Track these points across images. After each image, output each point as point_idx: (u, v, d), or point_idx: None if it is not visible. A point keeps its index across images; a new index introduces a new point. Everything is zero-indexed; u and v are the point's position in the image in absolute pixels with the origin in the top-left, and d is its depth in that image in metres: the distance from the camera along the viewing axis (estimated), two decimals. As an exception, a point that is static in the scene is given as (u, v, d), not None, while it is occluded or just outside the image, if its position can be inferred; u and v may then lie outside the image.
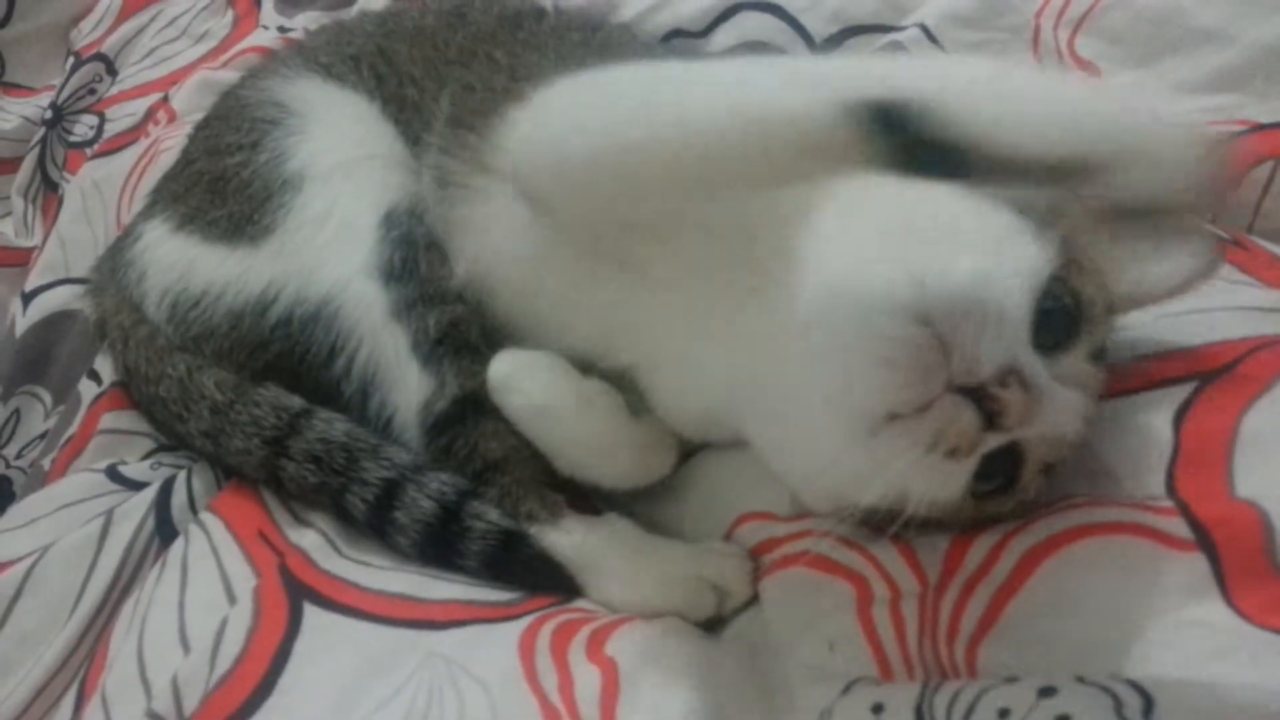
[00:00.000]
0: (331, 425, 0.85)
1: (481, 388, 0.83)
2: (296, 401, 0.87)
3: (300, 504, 0.88)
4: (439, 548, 0.81)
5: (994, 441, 0.60)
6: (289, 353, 0.87)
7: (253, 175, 0.89)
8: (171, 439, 0.96)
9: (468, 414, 0.83)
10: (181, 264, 0.92)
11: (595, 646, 0.72)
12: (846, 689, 0.66)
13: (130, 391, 0.98)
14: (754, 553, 0.79)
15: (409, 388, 0.84)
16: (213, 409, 0.89)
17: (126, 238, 1.01)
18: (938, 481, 0.62)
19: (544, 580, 0.80)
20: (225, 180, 0.91)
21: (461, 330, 0.84)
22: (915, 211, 0.64)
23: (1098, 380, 0.65)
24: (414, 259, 0.85)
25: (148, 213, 1.00)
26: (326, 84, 0.96)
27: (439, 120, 0.90)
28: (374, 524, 0.83)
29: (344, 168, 0.89)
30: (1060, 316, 0.63)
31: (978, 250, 0.61)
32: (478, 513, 0.81)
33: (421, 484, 0.81)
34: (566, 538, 0.80)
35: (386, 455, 0.83)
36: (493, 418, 0.83)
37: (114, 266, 0.99)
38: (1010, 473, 0.64)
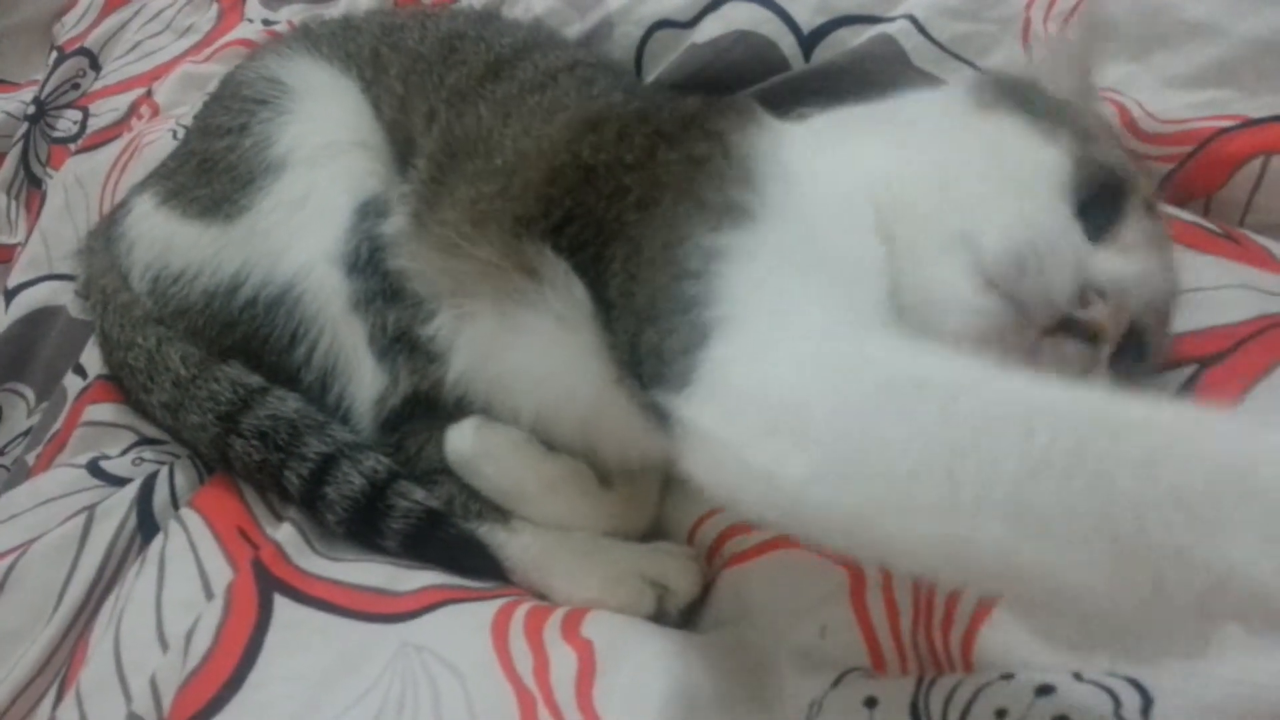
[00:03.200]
0: (284, 402, 0.85)
1: (433, 389, 0.83)
2: (256, 379, 0.87)
3: (275, 497, 0.87)
4: (362, 526, 0.81)
5: (1109, 348, 0.61)
6: (254, 335, 0.87)
7: (238, 159, 0.90)
8: (136, 409, 0.97)
9: (419, 413, 0.83)
10: (163, 239, 0.93)
11: (571, 627, 0.72)
12: (837, 681, 0.65)
13: (104, 355, 0.99)
14: (736, 530, 0.78)
15: (364, 381, 0.84)
16: (175, 382, 0.90)
17: (121, 208, 1.02)
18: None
19: (466, 562, 0.80)
20: (213, 162, 0.92)
21: (419, 330, 0.83)
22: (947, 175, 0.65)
23: (1161, 226, 0.67)
24: (379, 254, 0.85)
25: (142, 185, 1.01)
26: (329, 64, 0.97)
27: (421, 156, 0.88)
28: (307, 500, 0.83)
29: (329, 150, 0.89)
30: (1100, 196, 0.64)
31: (1006, 195, 0.63)
32: (403, 491, 0.81)
33: (357, 461, 0.82)
34: (515, 538, 0.80)
35: (330, 432, 0.83)
36: (445, 419, 0.83)
37: (108, 236, 1.00)
38: (1138, 348, 0.65)
